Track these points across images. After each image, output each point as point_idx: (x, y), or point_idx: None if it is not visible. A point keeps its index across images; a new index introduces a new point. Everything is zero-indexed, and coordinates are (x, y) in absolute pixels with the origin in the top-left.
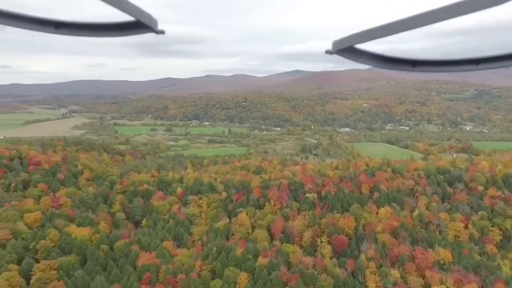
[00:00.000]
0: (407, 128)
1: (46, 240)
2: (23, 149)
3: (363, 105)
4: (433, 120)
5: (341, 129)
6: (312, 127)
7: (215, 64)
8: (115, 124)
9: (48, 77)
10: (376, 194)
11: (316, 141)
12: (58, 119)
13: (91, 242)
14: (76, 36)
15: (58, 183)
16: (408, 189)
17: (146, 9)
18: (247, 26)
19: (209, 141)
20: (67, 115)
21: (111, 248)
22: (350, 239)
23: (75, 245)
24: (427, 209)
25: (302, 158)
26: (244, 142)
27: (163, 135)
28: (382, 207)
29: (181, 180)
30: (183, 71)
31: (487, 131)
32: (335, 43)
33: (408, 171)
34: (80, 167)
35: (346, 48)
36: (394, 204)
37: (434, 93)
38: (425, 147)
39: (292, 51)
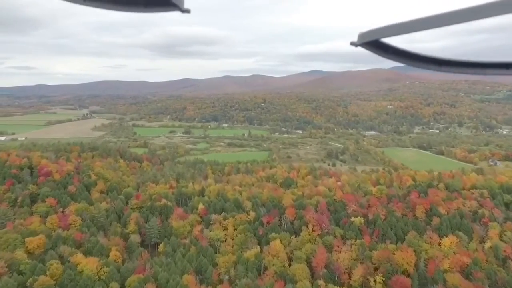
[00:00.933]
0: (437, 131)
1: (46, 275)
2: (34, 157)
3: (388, 106)
4: (465, 123)
5: (366, 132)
6: (335, 129)
7: (230, 64)
8: (133, 125)
9: (72, 78)
10: (435, 220)
11: (341, 146)
12: (79, 119)
13: (99, 277)
14: (102, 8)
15: (68, 197)
16: (470, 211)
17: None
18: (262, 27)
19: (229, 145)
20: (88, 115)
21: (123, 285)
22: (411, 279)
23: (80, 283)
24: (501, 240)
25: (329, 164)
26: (265, 146)
27: (182, 138)
28: (445, 236)
29: (202, 193)
30: (201, 72)
31: None
32: (361, 36)
33: (464, 188)
34: (93, 177)
35: (372, 42)
36: (460, 233)
37: (463, 94)
38: (463, 153)
39: (309, 51)
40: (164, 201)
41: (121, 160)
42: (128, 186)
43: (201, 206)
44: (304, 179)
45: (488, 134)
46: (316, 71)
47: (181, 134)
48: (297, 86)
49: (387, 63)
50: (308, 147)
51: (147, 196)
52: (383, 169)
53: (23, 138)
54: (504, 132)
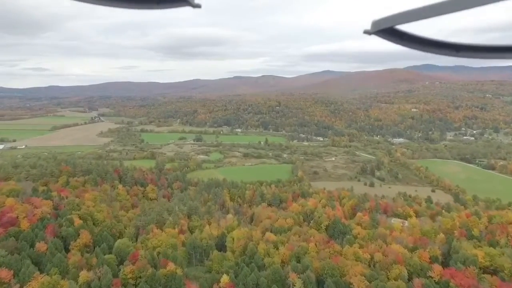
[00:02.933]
0: (472, 138)
1: None
2: None
3: (412, 110)
4: (501, 129)
5: (394, 139)
6: (359, 136)
7: (237, 65)
8: (142, 130)
9: (84, 79)
10: None
11: (372, 157)
12: (86, 123)
13: None
14: (114, 7)
15: (32, 265)
16: None
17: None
18: (270, 27)
19: (245, 155)
20: (96, 119)
21: None
22: None
23: None
24: None
25: (365, 184)
26: (285, 156)
27: (192, 146)
28: None
29: (222, 241)
30: (210, 72)
31: None
32: (375, 23)
33: None
34: (77, 222)
35: (386, 29)
36: None
37: (491, 96)
38: None
39: (315, 52)
40: (170, 267)
41: (120, 186)
42: (125, 229)
43: (225, 278)
44: (355, 219)
45: None
46: (328, 71)
47: (192, 142)
48: (310, 86)
49: (403, 63)
50: (333, 158)
51: (147, 255)
52: (432, 190)
53: (23, 146)
54: None
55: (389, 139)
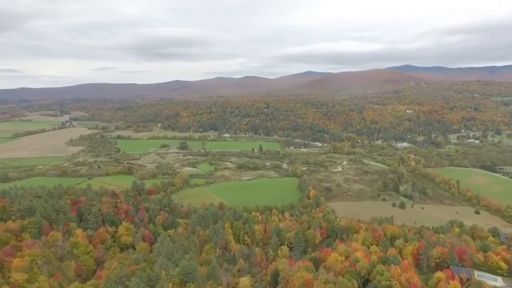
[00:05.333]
0: (477, 141)
1: None
2: None
3: (407, 111)
4: (503, 131)
5: (398, 144)
6: (359, 140)
7: (216, 66)
8: (118, 137)
9: (58, 81)
10: None
11: (385, 167)
12: (55, 129)
13: None
14: None
15: None
16: None
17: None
18: (247, 27)
19: (239, 167)
20: (67, 124)
21: None
22: None
23: None
24: None
25: (394, 205)
26: (285, 167)
27: (177, 155)
28: None
29: None
30: (190, 73)
31: None
32: None
33: None
34: None
35: None
36: None
37: (479, 96)
38: None
39: (293, 53)
40: None
41: (79, 231)
42: None
43: None
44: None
45: None
46: (309, 72)
47: (176, 150)
48: (294, 87)
49: (376, 64)
50: (340, 168)
51: None
52: (476, 212)
53: None
54: None
55: (393, 144)
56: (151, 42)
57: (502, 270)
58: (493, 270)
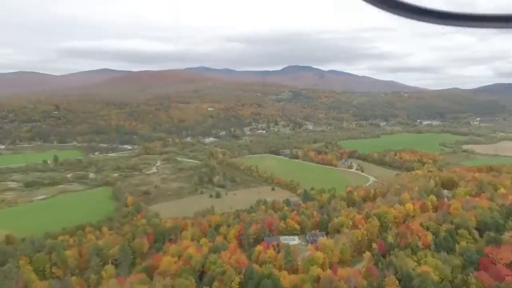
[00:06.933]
0: (264, 131)
1: None
2: None
3: (209, 109)
4: (279, 122)
5: (206, 139)
6: (169, 140)
7: None
8: None
9: None
10: None
11: (197, 162)
12: None
13: None
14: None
15: None
16: None
17: None
18: (18, 11)
19: (27, 185)
20: None
21: None
22: None
23: None
24: None
25: (211, 195)
26: (92, 177)
27: None
28: None
29: None
30: None
31: (327, 130)
32: None
33: None
34: None
35: None
36: None
37: (260, 94)
38: (320, 156)
39: (77, 48)
40: None
41: None
42: None
43: None
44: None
45: (301, 130)
46: (107, 70)
47: None
48: (90, 86)
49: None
50: (155, 169)
51: None
52: (272, 188)
53: None
54: (311, 128)
55: (201, 140)
56: None
57: (297, 230)
58: (292, 232)
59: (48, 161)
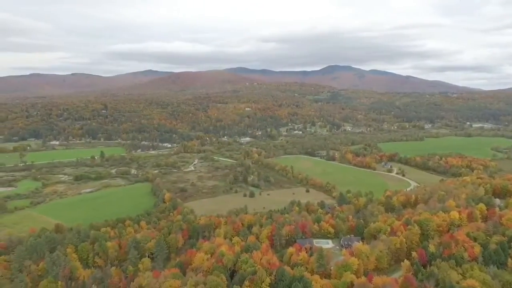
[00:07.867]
0: (300, 132)
1: None
2: None
3: (246, 109)
4: (316, 123)
5: (242, 139)
6: (207, 139)
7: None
8: None
9: None
10: None
11: (233, 161)
12: None
13: None
14: None
15: None
16: None
17: None
18: (65, 16)
19: (76, 178)
20: None
21: None
22: None
23: None
24: None
25: (245, 195)
26: (134, 173)
27: None
28: None
29: None
30: None
31: (367, 131)
32: None
33: None
34: None
35: None
36: None
37: (298, 95)
38: (359, 159)
39: (123, 50)
40: None
41: None
42: None
43: None
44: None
45: (339, 131)
46: (151, 71)
47: None
48: (134, 87)
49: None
50: (193, 167)
51: None
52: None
53: None
54: (349, 129)
55: (237, 139)
56: None
57: (331, 234)
58: (325, 235)
59: (96, 157)
